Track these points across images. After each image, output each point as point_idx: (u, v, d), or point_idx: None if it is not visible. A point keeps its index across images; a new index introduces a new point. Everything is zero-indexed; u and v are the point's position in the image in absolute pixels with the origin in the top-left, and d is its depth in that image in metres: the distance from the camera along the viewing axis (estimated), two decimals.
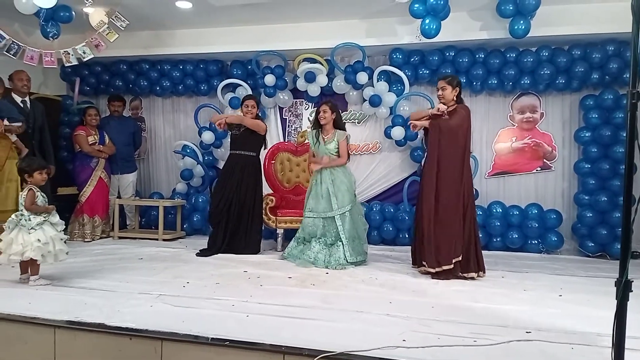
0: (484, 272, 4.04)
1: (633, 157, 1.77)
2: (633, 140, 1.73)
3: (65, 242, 3.66)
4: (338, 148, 4.58)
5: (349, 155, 4.70)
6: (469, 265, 3.98)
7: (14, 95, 5.02)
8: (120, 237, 5.76)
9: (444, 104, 4.12)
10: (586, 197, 5.25)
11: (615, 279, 1.75)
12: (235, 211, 4.87)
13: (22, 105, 5.02)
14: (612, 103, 5.15)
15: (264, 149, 5.22)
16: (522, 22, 4.76)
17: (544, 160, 5.60)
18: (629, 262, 1.77)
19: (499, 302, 3.31)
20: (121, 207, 6.04)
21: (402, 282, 3.85)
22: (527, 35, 4.83)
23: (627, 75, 1.67)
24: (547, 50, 5.27)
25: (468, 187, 4.03)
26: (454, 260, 3.93)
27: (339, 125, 4.67)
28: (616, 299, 1.72)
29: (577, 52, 5.23)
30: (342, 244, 4.42)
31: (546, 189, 5.61)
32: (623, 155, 1.73)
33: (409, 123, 4.27)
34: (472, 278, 3.96)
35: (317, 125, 4.68)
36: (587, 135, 5.28)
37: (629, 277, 1.73)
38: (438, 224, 3.98)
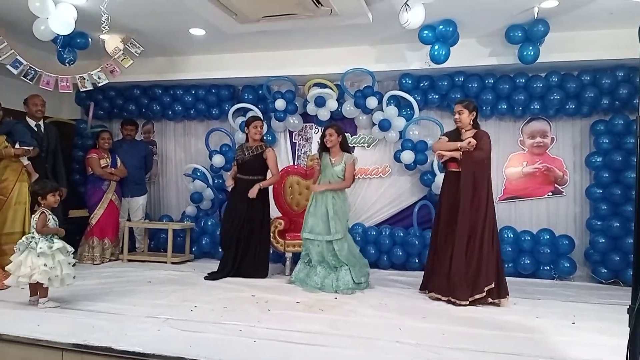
0: (508, 296, 4.04)
1: None
2: None
3: (73, 265, 3.68)
4: (345, 171, 4.60)
5: (354, 179, 4.74)
6: (500, 291, 4.00)
7: (28, 119, 5.12)
8: (129, 260, 5.77)
9: (460, 127, 4.20)
10: (598, 223, 5.19)
11: (628, 306, 1.71)
12: (245, 235, 4.89)
13: (36, 129, 5.12)
14: (623, 128, 5.12)
15: None
16: (531, 48, 4.80)
17: (555, 185, 5.55)
18: None
19: (511, 329, 3.25)
20: (131, 229, 6.07)
21: (412, 308, 3.80)
22: (537, 61, 4.86)
23: (637, 101, 1.67)
24: (557, 75, 5.29)
25: (493, 213, 4.10)
26: (486, 289, 3.92)
27: (345, 148, 4.71)
28: (629, 326, 1.69)
29: (586, 77, 5.24)
30: (349, 268, 4.41)
31: (558, 214, 5.55)
32: (634, 181, 1.71)
33: (437, 153, 4.25)
34: (498, 304, 3.96)
35: (323, 148, 4.70)
36: (598, 160, 5.25)
37: None
38: (472, 253, 3.96)
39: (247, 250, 4.90)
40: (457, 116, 4.21)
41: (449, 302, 3.95)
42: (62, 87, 5.16)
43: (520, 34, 4.79)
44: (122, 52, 5.27)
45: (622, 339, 1.82)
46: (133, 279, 4.72)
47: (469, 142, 4.02)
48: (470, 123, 4.18)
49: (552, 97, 5.25)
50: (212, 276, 4.82)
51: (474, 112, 4.19)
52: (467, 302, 3.89)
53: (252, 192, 4.85)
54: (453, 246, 4.02)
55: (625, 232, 4.99)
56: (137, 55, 5.35)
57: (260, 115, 6.08)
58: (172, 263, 5.63)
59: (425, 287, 4.29)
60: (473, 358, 2.63)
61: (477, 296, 3.91)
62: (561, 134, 5.58)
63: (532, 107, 5.39)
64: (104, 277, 4.76)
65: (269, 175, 5.13)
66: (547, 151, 5.59)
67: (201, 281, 4.69)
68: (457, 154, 4.12)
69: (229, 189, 5.15)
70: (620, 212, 5.08)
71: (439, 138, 4.59)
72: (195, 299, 3.88)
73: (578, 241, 5.33)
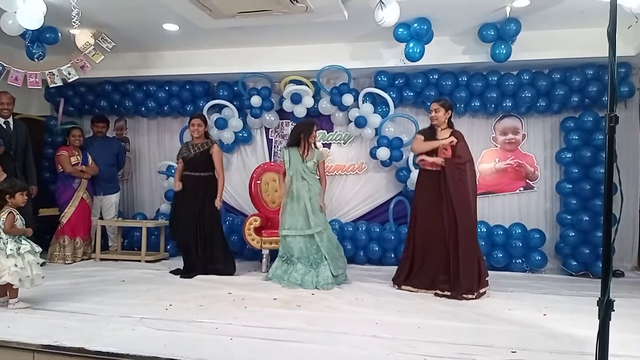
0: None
1: (612, 180, 1.81)
2: (612, 162, 1.77)
3: (42, 265, 3.59)
4: (317, 167, 4.64)
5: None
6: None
7: None
8: (102, 259, 5.66)
9: (436, 125, 4.31)
10: (568, 217, 5.33)
11: (598, 299, 1.76)
12: (201, 233, 4.83)
13: (4, 126, 4.97)
14: (592, 125, 5.27)
15: None
16: (503, 46, 4.88)
17: (527, 180, 5.68)
18: (611, 282, 1.80)
19: (484, 322, 3.31)
20: (103, 228, 5.95)
21: (388, 303, 3.84)
22: (509, 60, 4.95)
23: (606, 99, 1.72)
24: (528, 73, 5.39)
25: (476, 207, 4.27)
26: (487, 279, 4.14)
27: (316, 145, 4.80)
28: (598, 318, 1.74)
29: (557, 75, 5.37)
30: (328, 262, 4.44)
31: (529, 208, 5.68)
32: (603, 176, 1.76)
33: (418, 160, 4.33)
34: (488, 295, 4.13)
35: (296, 143, 4.68)
36: (568, 156, 5.38)
37: (610, 297, 1.75)
38: (467, 250, 4.07)
39: (206, 248, 4.84)
40: (433, 114, 4.31)
41: (452, 297, 3.99)
42: (31, 83, 5.03)
43: (492, 33, 4.87)
44: (93, 47, 5.17)
45: (592, 329, 1.87)
46: (106, 278, 4.64)
47: (451, 142, 4.14)
48: (445, 121, 4.30)
49: (523, 95, 5.36)
50: (182, 274, 4.78)
51: (450, 111, 4.31)
52: (475, 296, 3.98)
53: (218, 204, 4.89)
54: (438, 243, 4.11)
55: (594, 226, 5.13)
56: (109, 50, 5.25)
57: (236, 113, 6.05)
58: (147, 261, 5.55)
59: (405, 283, 4.32)
60: (447, 351, 2.66)
61: (481, 290, 4.06)
62: (532, 131, 5.70)
63: (504, 104, 5.50)
64: (76, 277, 4.65)
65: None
66: (518, 147, 5.71)
67: (176, 279, 4.63)
68: (439, 160, 4.18)
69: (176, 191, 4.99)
70: (589, 206, 5.22)
71: (414, 136, 4.64)
72: (170, 297, 3.84)
73: (549, 235, 5.46)
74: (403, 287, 4.29)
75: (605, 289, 1.75)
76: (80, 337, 2.78)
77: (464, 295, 3.97)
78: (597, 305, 1.75)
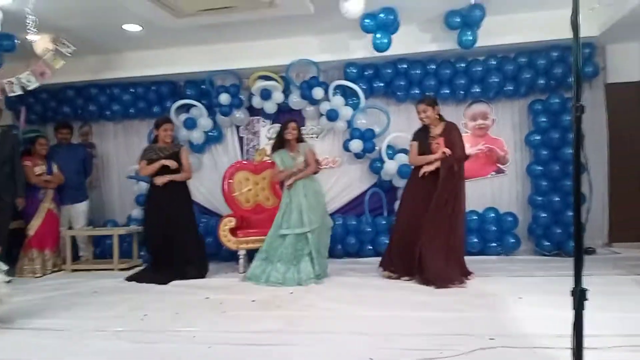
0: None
1: (579, 170, 1.81)
2: (579, 157, 1.77)
3: (9, 282, 3.45)
4: (307, 158, 4.63)
5: (318, 163, 4.79)
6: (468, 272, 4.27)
7: None
8: (73, 270, 5.50)
9: (429, 124, 4.25)
10: (539, 199, 5.42)
11: (572, 289, 1.76)
12: (173, 236, 4.75)
13: None
14: (559, 107, 5.35)
15: None
16: (469, 33, 4.91)
17: (498, 164, 5.75)
18: (583, 267, 1.80)
19: (462, 309, 3.33)
20: (73, 238, 5.78)
21: (367, 297, 3.82)
22: (475, 46, 4.99)
23: (572, 79, 1.72)
24: (495, 59, 5.45)
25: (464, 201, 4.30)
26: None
27: (301, 140, 4.76)
28: (573, 309, 1.74)
29: (523, 59, 5.43)
30: (311, 257, 4.42)
31: (501, 192, 5.77)
32: (572, 156, 1.77)
33: (422, 174, 4.20)
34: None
35: (281, 144, 4.66)
36: (537, 138, 5.46)
37: (582, 286, 1.75)
38: (458, 238, 4.15)
39: (180, 252, 4.76)
40: (422, 115, 4.25)
41: (441, 286, 3.97)
42: None
43: (458, 20, 4.89)
44: (52, 52, 4.97)
45: (566, 311, 1.86)
46: (78, 290, 4.49)
47: (443, 153, 4.09)
48: (436, 117, 4.26)
49: (491, 80, 5.41)
50: (147, 279, 4.68)
51: (437, 106, 4.27)
52: (465, 284, 4.03)
53: (161, 180, 4.74)
54: (440, 233, 4.09)
55: (565, 206, 5.23)
56: (69, 55, 5.06)
57: (205, 112, 5.94)
58: (120, 270, 5.41)
59: (387, 267, 4.37)
60: (428, 342, 2.66)
61: (469, 277, 4.13)
62: (501, 115, 5.77)
63: (472, 90, 5.55)
64: (47, 291, 4.50)
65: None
66: (488, 132, 5.78)
67: (151, 287, 4.50)
68: (438, 164, 4.13)
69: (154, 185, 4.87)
70: (559, 187, 5.32)
71: (410, 144, 4.50)
72: (146, 306, 3.73)
73: (521, 217, 5.55)
74: (388, 272, 4.34)
75: (579, 278, 1.75)
76: (53, 355, 2.69)
77: (450, 285, 3.99)
78: (571, 295, 1.75)
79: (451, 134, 4.17)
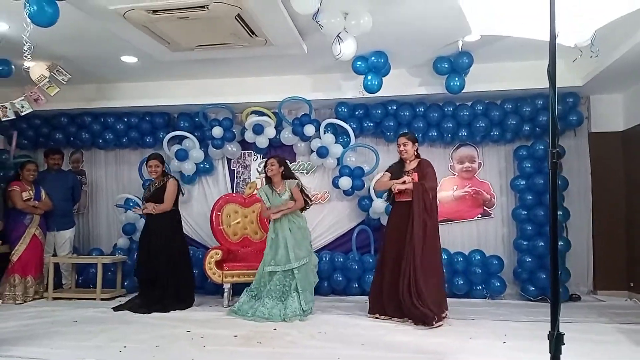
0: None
1: (557, 215, 1.87)
2: (556, 202, 1.84)
3: None
4: (292, 194, 4.67)
5: (309, 198, 4.85)
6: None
7: None
8: (54, 298, 5.41)
9: (405, 158, 4.45)
10: (525, 243, 5.47)
11: (548, 332, 1.80)
12: (163, 268, 4.81)
13: None
14: (543, 153, 5.46)
15: (182, 195, 5.29)
16: (457, 78, 5.07)
17: (484, 207, 5.83)
18: (560, 310, 1.84)
19: (446, 352, 3.33)
20: (57, 265, 5.71)
21: (351, 336, 3.80)
22: (463, 91, 5.13)
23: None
24: (482, 104, 5.60)
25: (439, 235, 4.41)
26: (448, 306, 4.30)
27: (288, 176, 4.80)
28: (550, 352, 1.77)
29: (509, 105, 5.58)
30: (298, 293, 4.44)
31: (487, 235, 5.82)
32: (549, 201, 1.84)
33: (394, 188, 4.36)
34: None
35: (268, 179, 4.78)
36: (522, 183, 5.56)
37: (560, 330, 1.78)
38: (432, 277, 4.16)
39: (168, 284, 4.80)
40: (402, 148, 4.45)
41: (419, 325, 4.06)
42: None
43: (446, 66, 5.05)
44: (47, 79, 5.04)
45: (548, 356, 1.89)
46: (58, 318, 4.43)
47: (404, 182, 4.30)
48: (414, 154, 4.45)
49: (478, 125, 5.54)
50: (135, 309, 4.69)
51: (416, 144, 4.51)
52: (441, 323, 4.05)
53: (149, 209, 4.89)
54: (413, 272, 4.13)
55: (549, 251, 5.26)
56: (64, 83, 5.14)
57: (197, 144, 6.00)
58: (102, 299, 5.32)
59: (376, 311, 4.36)
60: None
61: (443, 315, 4.13)
62: (488, 159, 5.89)
63: (460, 134, 5.67)
64: (26, 318, 4.43)
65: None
66: (475, 175, 5.88)
67: (133, 318, 4.44)
68: (409, 186, 4.29)
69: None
70: (544, 232, 5.38)
71: (383, 174, 4.75)
72: (126, 338, 3.68)
73: (507, 260, 5.58)
74: (377, 316, 4.34)
75: (555, 322, 1.78)
76: None
77: (433, 323, 4.01)
78: (548, 338, 1.78)
79: (424, 169, 4.36)
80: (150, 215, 4.95)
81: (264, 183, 4.88)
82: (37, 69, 5.05)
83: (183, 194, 5.37)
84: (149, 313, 4.57)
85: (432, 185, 4.33)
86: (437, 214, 4.42)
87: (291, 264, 4.47)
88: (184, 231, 6.08)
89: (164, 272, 4.82)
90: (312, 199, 5.01)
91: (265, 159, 5.25)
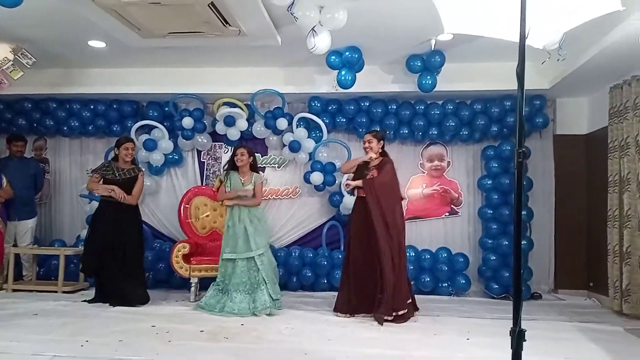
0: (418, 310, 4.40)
1: (521, 214, 1.91)
2: (520, 202, 1.88)
3: None
4: (254, 189, 4.64)
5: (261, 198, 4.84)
6: (414, 306, 4.36)
7: None
8: (14, 290, 5.23)
9: (370, 156, 4.48)
10: (489, 241, 5.59)
11: (510, 329, 1.83)
12: (117, 259, 4.61)
13: None
14: (510, 153, 5.59)
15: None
16: (429, 77, 5.12)
17: (452, 206, 5.92)
18: (522, 307, 1.88)
19: (411, 348, 3.38)
20: (17, 256, 5.51)
21: (318, 331, 3.81)
22: (434, 90, 5.19)
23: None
24: (452, 104, 5.68)
25: (404, 233, 4.39)
26: (408, 302, 4.23)
27: (254, 168, 4.79)
28: (511, 348, 1.81)
29: (478, 106, 5.68)
30: (266, 285, 4.42)
31: (454, 233, 5.92)
32: (514, 199, 1.87)
33: (345, 184, 4.50)
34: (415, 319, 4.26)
35: (233, 167, 4.71)
36: (488, 183, 5.67)
37: (522, 326, 1.82)
38: (388, 272, 4.13)
39: (122, 277, 4.60)
40: (367, 145, 4.52)
41: (374, 319, 4.11)
42: None
43: (419, 64, 5.10)
44: (11, 62, 4.86)
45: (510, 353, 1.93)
46: (18, 311, 4.28)
47: (370, 157, 4.41)
48: (378, 151, 4.51)
49: (448, 124, 5.62)
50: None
51: (382, 141, 4.55)
52: (392, 318, 4.07)
53: (118, 194, 4.61)
54: (372, 267, 4.20)
55: (513, 250, 5.41)
56: (29, 66, 4.97)
57: (167, 134, 5.89)
58: (64, 292, 5.18)
59: (345, 310, 4.36)
60: None
61: (400, 312, 4.13)
62: (456, 158, 5.98)
63: (430, 132, 5.74)
64: None
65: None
66: (444, 174, 5.96)
67: (95, 312, 4.33)
68: (360, 183, 4.39)
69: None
70: (508, 231, 5.51)
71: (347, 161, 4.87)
72: (88, 332, 3.59)
73: (472, 258, 5.69)
74: (343, 314, 4.33)
75: (517, 319, 1.82)
76: None
77: (376, 316, 4.09)
78: (510, 335, 1.82)
79: (383, 165, 4.43)
80: (111, 203, 4.67)
81: (227, 169, 4.78)
82: (0, 51, 4.85)
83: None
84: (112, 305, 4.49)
85: (383, 180, 4.34)
86: (397, 210, 4.38)
87: (252, 252, 4.43)
88: (151, 223, 6.03)
89: (114, 266, 4.59)
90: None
91: (234, 148, 5.18)
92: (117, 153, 4.83)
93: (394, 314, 4.09)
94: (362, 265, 4.32)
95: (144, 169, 5.26)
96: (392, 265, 4.16)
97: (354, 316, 4.28)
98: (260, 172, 5.93)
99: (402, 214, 4.48)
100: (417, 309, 4.40)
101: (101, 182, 4.75)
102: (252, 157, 4.74)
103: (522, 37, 1.89)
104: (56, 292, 5.19)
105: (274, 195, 6.00)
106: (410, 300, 4.32)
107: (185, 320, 4.07)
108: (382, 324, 4.01)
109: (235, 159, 4.69)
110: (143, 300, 4.66)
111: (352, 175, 4.69)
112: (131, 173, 4.80)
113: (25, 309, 4.36)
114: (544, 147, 5.84)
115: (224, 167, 4.92)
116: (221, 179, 4.73)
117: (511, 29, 2.01)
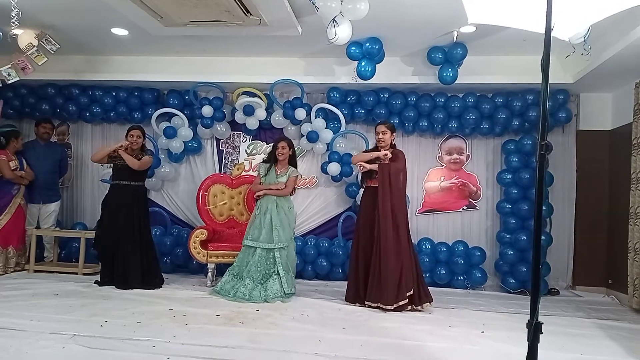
0: (432, 301, 4.35)
1: (542, 206, 1.89)
2: (542, 193, 1.86)
3: None
4: (287, 181, 4.74)
5: (294, 190, 4.89)
6: (421, 297, 4.28)
7: None
8: (36, 271, 5.37)
9: (383, 147, 4.50)
10: (507, 236, 5.54)
11: (527, 321, 1.83)
12: (126, 243, 4.69)
13: None
14: (531, 148, 5.51)
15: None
16: (450, 69, 5.06)
17: (470, 199, 5.88)
18: (539, 304, 1.87)
19: (426, 339, 3.38)
20: (39, 238, 5.65)
21: (332, 319, 3.84)
22: (455, 82, 5.13)
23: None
24: (473, 97, 5.61)
25: (407, 223, 4.43)
26: (407, 294, 4.19)
27: (293, 162, 4.89)
28: (527, 340, 1.80)
29: (499, 99, 5.60)
30: (280, 276, 4.48)
31: (471, 226, 5.87)
32: (535, 192, 1.86)
33: (358, 164, 4.55)
34: (421, 309, 4.23)
35: (273, 159, 4.80)
36: (508, 177, 5.61)
37: (539, 320, 1.82)
38: (390, 261, 4.17)
39: (130, 260, 4.68)
40: (380, 136, 4.52)
41: (378, 308, 4.16)
42: None
43: (440, 56, 5.04)
44: (36, 48, 4.95)
45: (526, 348, 1.92)
46: (39, 291, 4.40)
47: (385, 154, 4.39)
48: (391, 142, 4.54)
49: (468, 117, 5.56)
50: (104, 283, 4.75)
51: (394, 134, 4.59)
52: (393, 307, 4.11)
53: (124, 146, 4.79)
54: (377, 256, 4.22)
55: (531, 245, 5.35)
56: (53, 52, 5.06)
57: (187, 122, 5.94)
58: (84, 274, 5.29)
59: (354, 300, 4.39)
60: None
61: (401, 302, 4.14)
62: (476, 152, 5.92)
63: (450, 125, 5.69)
64: (7, 289, 4.40)
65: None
66: (462, 167, 5.91)
67: (114, 294, 4.43)
68: (375, 166, 4.41)
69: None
70: (527, 226, 5.45)
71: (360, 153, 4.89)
72: (107, 313, 3.68)
73: (489, 253, 5.65)
74: (353, 304, 4.36)
75: (534, 311, 1.82)
76: (6, 355, 2.62)
77: (380, 305, 4.14)
78: (527, 327, 1.81)
79: (398, 155, 4.45)
80: (119, 188, 4.82)
81: (266, 161, 4.90)
82: (25, 37, 4.94)
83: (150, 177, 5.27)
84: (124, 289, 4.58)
85: (396, 167, 4.38)
86: (404, 199, 4.51)
87: (273, 244, 4.50)
88: (170, 209, 6.12)
89: (126, 249, 4.68)
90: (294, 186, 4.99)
91: (259, 140, 5.23)
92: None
93: (394, 304, 4.12)
94: (370, 255, 4.32)
95: (163, 156, 5.31)
96: (392, 255, 4.18)
97: (364, 305, 4.29)
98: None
99: (406, 207, 4.56)
100: (431, 299, 4.36)
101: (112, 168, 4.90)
102: (291, 150, 4.84)
103: (548, 29, 1.86)
104: (76, 273, 5.32)
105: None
106: (411, 292, 4.22)
107: (202, 305, 4.13)
108: (385, 311, 4.09)
109: (276, 152, 4.76)
110: (150, 284, 4.71)
111: None
112: (138, 158, 4.87)
113: (45, 290, 4.48)
114: (566, 142, 5.75)
115: (264, 160, 5.00)
116: (240, 168, 4.78)
117: (536, 20, 1.98)
